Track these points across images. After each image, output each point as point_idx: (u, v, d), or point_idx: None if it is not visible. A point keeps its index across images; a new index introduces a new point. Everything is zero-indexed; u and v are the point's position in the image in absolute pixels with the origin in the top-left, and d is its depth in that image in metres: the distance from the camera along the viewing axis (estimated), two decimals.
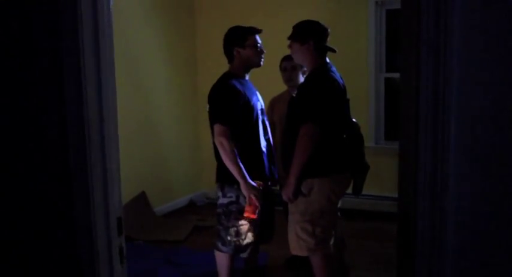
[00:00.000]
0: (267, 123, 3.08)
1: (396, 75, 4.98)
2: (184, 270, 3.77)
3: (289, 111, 2.84)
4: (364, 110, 5.01)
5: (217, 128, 2.82)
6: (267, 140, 3.03)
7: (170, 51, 5.48)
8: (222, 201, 2.94)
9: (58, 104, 1.57)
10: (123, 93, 3.99)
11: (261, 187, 2.86)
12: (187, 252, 4.14)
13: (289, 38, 2.85)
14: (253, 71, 3.12)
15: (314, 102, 2.65)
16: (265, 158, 2.98)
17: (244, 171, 2.81)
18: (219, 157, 2.87)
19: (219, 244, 2.99)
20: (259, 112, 2.98)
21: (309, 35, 2.78)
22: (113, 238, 1.64)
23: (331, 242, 2.83)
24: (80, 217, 1.59)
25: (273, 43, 5.14)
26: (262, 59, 2.97)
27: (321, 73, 2.75)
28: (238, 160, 2.79)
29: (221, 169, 2.91)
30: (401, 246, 1.59)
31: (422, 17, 1.40)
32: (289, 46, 2.85)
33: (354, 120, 2.93)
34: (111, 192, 1.61)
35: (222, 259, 3.03)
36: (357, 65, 4.96)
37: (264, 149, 2.97)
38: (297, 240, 2.76)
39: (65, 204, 1.62)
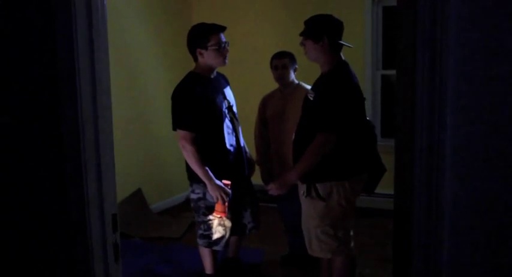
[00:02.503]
0: (236, 120, 3.10)
1: (393, 72, 4.96)
2: (180, 267, 3.77)
3: (305, 113, 2.73)
4: None
5: (178, 132, 2.90)
6: (236, 137, 3.06)
7: (166, 45, 5.45)
8: (192, 196, 3.06)
9: (52, 100, 1.56)
10: (118, 90, 3.99)
11: (229, 187, 2.94)
12: (184, 249, 4.14)
13: (301, 35, 2.67)
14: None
15: (334, 110, 2.55)
16: (231, 157, 3.02)
17: (209, 172, 2.88)
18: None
19: (197, 238, 3.13)
20: (226, 111, 3.00)
21: (324, 31, 2.60)
22: (108, 235, 1.63)
23: (352, 244, 2.78)
24: (75, 213, 1.58)
25: (268, 40, 5.15)
26: (227, 58, 2.95)
27: (340, 75, 2.62)
28: (201, 162, 2.87)
29: (188, 167, 3.00)
30: (398, 243, 1.59)
31: (419, 13, 1.40)
32: (302, 43, 2.68)
33: (367, 118, 2.85)
34: (106, 188, 1.61)
35: (203, 251, 3.16)
36: (353, 62, 4.86)
37: (230, 148, 3.00)
38: (319, 244, 2.70)
39: (59, 201, 1.61)
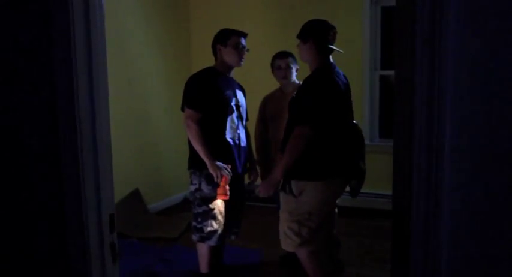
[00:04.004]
0: (242, 121, 3.21)
1: (391, 72, 4.98)
2: (178, 267, 3.77)
3: (289, 111, 2.83)
4: (359, 108, 4.98)
5: (186, 111, 3.05)
6: (238, 135, 3.15)
7: (165, 46, 5.46)
8: (191, 188, 3.16)
9: (49, 99, 1.55)
10: (116, 89, 3.98)
11: (229, 170, 3.00)
12: (181, 249, 4.13)
13: (297, 36, 2.86)
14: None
15: (311, 105, 2.64)
16: (234, 150, 3.12)
17: (209, 152, 2.98)
18: (190, 144, 3.09)
19: (192, 233, 3.19)
20: (234, 107, 3.13)
21: (309, 33, 2.78)
22: (105, 235, 1.62)
23: (326, 240, 2.87)
24: (71, 213, 1.57)
25: (267, 41, 5.15)
26: (242, 60, 3.14)
27: (321, 75, 2.74)
28: (204, 141, 2.99)
29: (190, 156, 3.15)
30: (396, 244, 1.59)
31: (418, 13, 1.39)
32: (298, 45, 2.86)
33: (354, 122, 2.91)
34: (103, 188, 1.60)
35: (200, 249, 3.20)
36: (351, 62, 4.95)
37: (229, 140, 3.10)
38: (284, 237, 2.83)
39: (56, 201, 1.60)
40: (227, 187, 2.99)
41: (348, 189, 2.94)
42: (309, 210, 2.72)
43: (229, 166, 3.03)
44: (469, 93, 1.34)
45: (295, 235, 2.76)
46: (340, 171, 2.78)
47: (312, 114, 2.63)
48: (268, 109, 3.62)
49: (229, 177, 3.01)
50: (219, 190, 3.00)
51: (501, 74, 1.31)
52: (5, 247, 1.69)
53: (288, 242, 2.82)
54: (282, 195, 2.83)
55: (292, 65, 3.52)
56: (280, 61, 3.54)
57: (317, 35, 2.77)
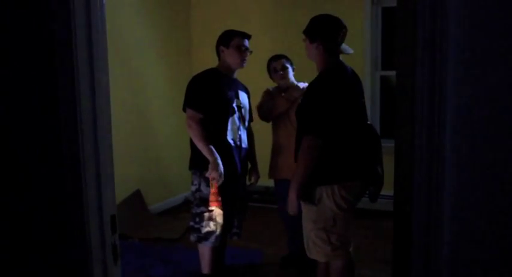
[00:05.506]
0: (245, 121, 3.22)
1: (392, 73, 4.97)
2: (179, 268, 3.77)
3: (297, 120, 2.72)
4: None
5: (187, 112, 3.07)
6: (239, 136, 3.16)
7: (165, 45, 5.45)
8: (192, 188, 3.18)
9: (50, 100, 1.55)
10: (117, 90, 3.98)
11: (222, 177, 2.98)
12: (182, 250, 4.13)
13: (303, 32, 2.72)
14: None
15: (317, 113, 2.54)
16: (235, 152, 3.12)
17: (214, 150, 2.98)
18: (192, 145, 3.10)
19: (190, 233, 3.21)
20: (236, 108, 3.14)
21: (318, 34, 2.63)
22: (107, 236, 1.62)
23: (351, 248, 2.75)
24: (73, 215, 1.57)
25: (268, 40, 5.15)
26: (245, 62, 3.14)
27: (327, 78, 2.61)
28: (207, 140, 2.99)
29: (191, 157, 3.17)
30: (398, 244, 1.59)
31: (419, 14, 1.39)
32: (303, 40, 2.72)
33: (369, 122, 2.80)
34: (105, 189, 1.60)
35: (201, 249, 3.21)
36: (352, 63, 4.85)
37: (230, 141, 3.11)
38: (314, 246, 2.70)
39: (57, 202, 1.60)
40: (219, 197, 2.99)
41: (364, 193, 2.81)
42: (332, 216, 2.60)
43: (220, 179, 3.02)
44: (470, 93, 1.34)
45: (325, 244, 2.63)
46: (356, 173, 2.65)
47: (318, 124, 2.53)
48: (275, 106, 3.60)
49: (219, 183, 2.99)
50: (211, 197, 3.00)
51: (502, 73, 1.31)
52: (7, 249, 1.69)
53: (317, 250, 2.68)
54: (302, 205, 2.70)
55: (287, 65, 3.53)
56: (275, 63, 3.55)
57: (326, 35, 2.62)
